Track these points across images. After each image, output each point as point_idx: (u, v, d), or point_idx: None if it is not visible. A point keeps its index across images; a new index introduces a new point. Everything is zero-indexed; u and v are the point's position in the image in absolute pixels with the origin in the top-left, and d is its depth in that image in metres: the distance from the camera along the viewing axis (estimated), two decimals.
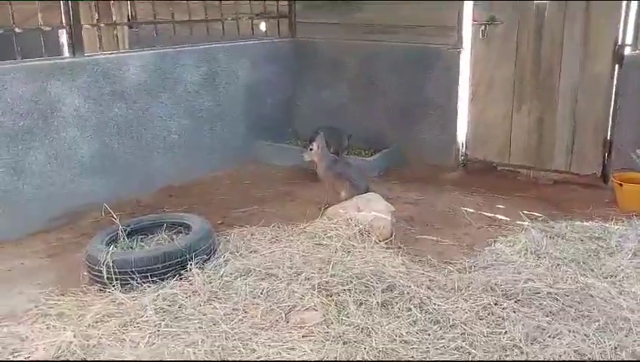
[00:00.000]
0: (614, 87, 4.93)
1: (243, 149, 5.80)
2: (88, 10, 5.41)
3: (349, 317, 2.93)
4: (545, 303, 3.01)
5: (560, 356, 2.57)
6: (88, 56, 4.53)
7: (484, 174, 5.57)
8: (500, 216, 4.52)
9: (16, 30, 4.17)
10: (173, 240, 3.78)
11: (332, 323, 2.88)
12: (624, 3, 4.74)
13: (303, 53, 6.20)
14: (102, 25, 4.69)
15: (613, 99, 4.96)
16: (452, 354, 2.64)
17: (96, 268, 3.33)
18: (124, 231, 3.72)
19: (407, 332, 2.81)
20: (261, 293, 3.15)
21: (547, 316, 2.92)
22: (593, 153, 5.15)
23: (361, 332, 2.82)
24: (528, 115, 5.33)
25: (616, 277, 3.36)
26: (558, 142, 5.26)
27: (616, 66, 4.88)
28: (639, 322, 2.90)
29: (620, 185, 4.64)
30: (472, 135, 5.66)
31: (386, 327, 2.84)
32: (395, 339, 2.76)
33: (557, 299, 3.04)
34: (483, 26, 5.33)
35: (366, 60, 5.88)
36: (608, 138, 5.05)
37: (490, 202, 4.83)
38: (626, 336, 2.79)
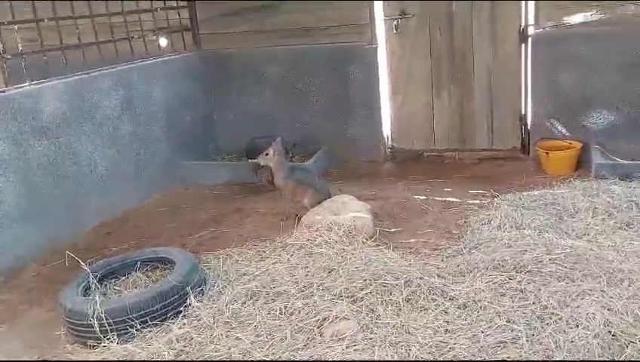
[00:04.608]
0: (523, 65, 5.31)
1: (169, 172, 5.48)
2: None
3: (380, 319, 2.88)
4: (552, 270, 3.16)
5: (594, 313, 2.72)
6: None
7: (413, 162, 5.77)
8: (452, 199, 4.68)
9: None
10: (149, 278, 3.51)
11: (369, 328, 2.81)
12: None
13: (214, 65, 5.98)
14: (8, 57, 4.15)
15: (523, 75, 5.34)
16: (500, 333, 2.69)
17: (85, 322, 2.97)
18: (95, 277, 3.35)
19: (445, 322, 2.81)
20: (280, 314, 2.99)
21: (559, 281, 3.07)
22: (511, 128, 5.51)
23: (402, 330, 2.78)
24: (448, 100, 5.58)
25: (589, 235, 3.62)
26: (479, 123, 5.57)
27: (523, 45, 5.26)
28: (633, 271, 3.14)
29: (547, 153, 5.01)
30: (396, 127, 5.82)
31: (423, 321, 2.83)
32: (438, 331, 2.75)
33: (559, 264, 3.21)
34: (395, 21, 5.49)
35: (285, 65, 5.81)
36: (523, 111, 5.44)
37: (435, 187, 5.00)
38: (629, 286, 3.01)
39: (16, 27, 4.17)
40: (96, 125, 4.72)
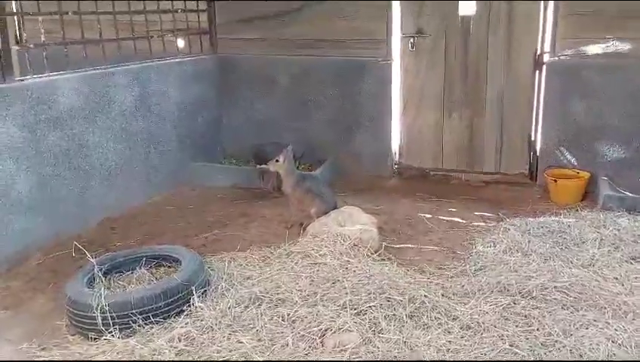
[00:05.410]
0: (536, 91, 5.34)
1: (177, 172, 5.50)
2: None
3: (383, 334, 2.88)
4: (557, 297, 3.17)
5: (598, 344, 2.72)
6: (20, 80, 4.05)
7: (419, 180, 5.76)
8: (457, 219, 4.69)
9: None
10: (153, 275, 3.52)
11: (371, 341, 2.82)
12: (541, 15, 5.16)
13: (228, 70, 6.03)
14: (31, 46, 4.20)
15: (535, 101, 5.37)
16: (503, 356, 2.69)
17: (88, 314, 2.97)
18: (100, 270, 3.36)
19: (448, 341, 2.81)
20: (283, 320, 2.99)
21: (564, 309, 3.08)
22: (520, 153, 5.53)
23: (404, 346, 2.78)
24: (459, 121, 5.61)
25: (594, 266, 3.62)
26: (487, 145, 5.59)
27: (537, 72, 5.30)
28: (638, 304, 3.14)
29: (555, 181, 5.03)
30: (405, 143, 5.84)
31: (426, 339, 2.83)
32: (440, 349, 2.76)
33: (564, 293, 3.22)
34: (412, 39, 5.54)
35: (297, 75, 5.84)
36: (533, 138, 5.46)
37: (441, 206, 5.01)
38: (634, 319, 3.02)
39: (40, 19, 4.21)
40: (110, 120, 4.74)
